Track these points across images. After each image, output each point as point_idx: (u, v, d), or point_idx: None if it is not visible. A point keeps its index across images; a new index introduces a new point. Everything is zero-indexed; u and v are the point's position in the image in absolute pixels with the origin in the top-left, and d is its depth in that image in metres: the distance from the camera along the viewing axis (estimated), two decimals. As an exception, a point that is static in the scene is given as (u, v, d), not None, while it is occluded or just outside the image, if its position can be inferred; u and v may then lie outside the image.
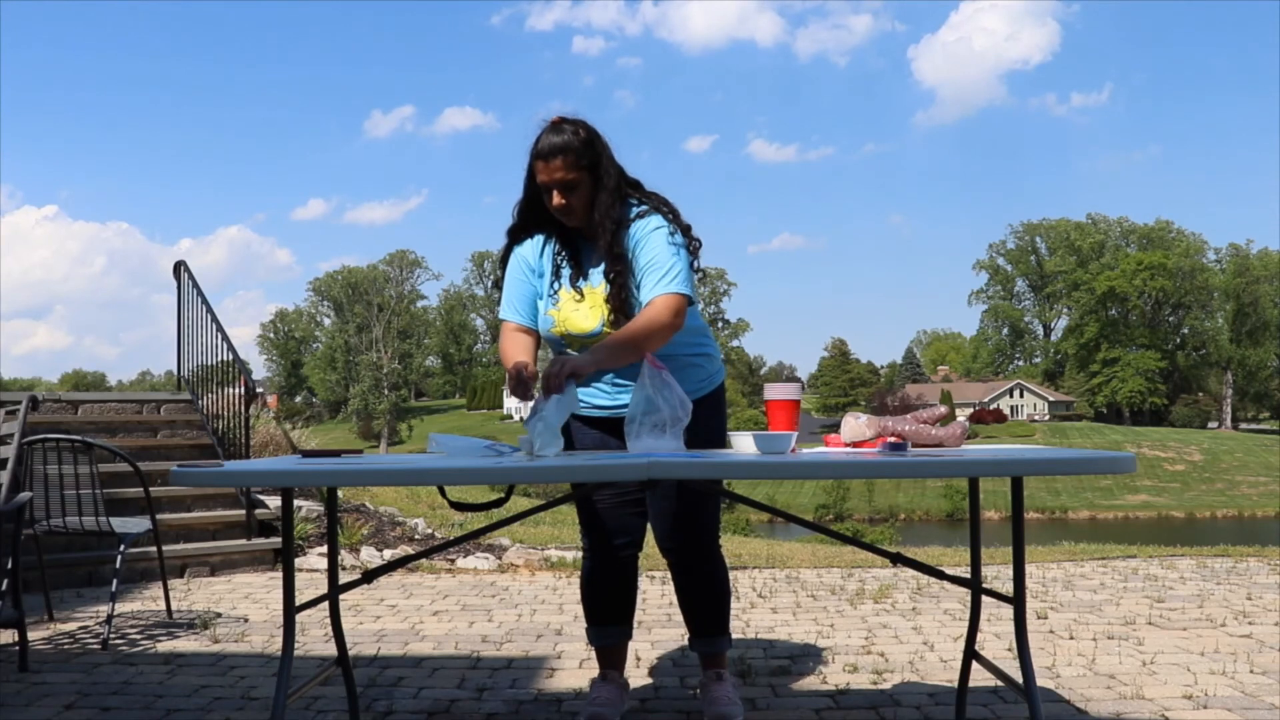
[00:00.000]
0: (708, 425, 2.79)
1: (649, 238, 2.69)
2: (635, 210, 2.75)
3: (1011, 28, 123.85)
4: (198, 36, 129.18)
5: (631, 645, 3.75)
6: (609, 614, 3.01)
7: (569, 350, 2.82)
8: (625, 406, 2.75)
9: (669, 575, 3.36)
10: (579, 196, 2.69)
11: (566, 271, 2.80)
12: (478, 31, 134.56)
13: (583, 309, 2.75)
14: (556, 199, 2.69)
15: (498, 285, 2.94)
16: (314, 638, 4.15)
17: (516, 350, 2.79)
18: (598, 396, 2.85)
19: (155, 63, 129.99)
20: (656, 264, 2.67)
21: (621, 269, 2.70)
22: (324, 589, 2.77)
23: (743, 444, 2.46)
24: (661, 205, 2.77)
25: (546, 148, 2.65)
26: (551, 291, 2.81)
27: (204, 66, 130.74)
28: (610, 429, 2.86)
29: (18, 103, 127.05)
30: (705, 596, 2.97)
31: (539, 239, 2.86)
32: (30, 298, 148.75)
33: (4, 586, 3.54)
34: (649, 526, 3.00)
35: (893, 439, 2.42)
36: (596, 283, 2.76)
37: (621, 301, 2.70)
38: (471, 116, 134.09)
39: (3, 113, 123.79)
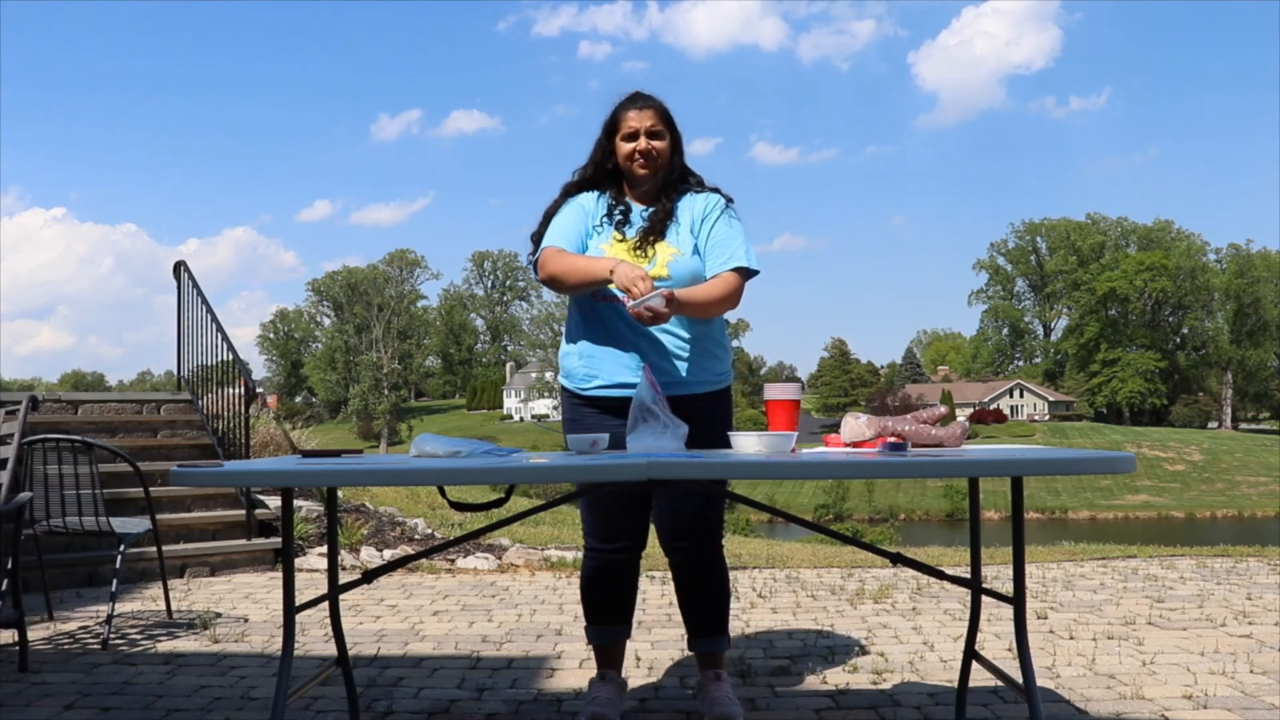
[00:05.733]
0: (722, 422, 2.88)
1: (714, 211, 2.92)
2: (695, 188, 2.98)
3: (1012, 33, 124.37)
4: (206, 39, 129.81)
5: (631, 645, 3.76)
6: (609, 613, 3.01)
7: (611, 287, 2.83)
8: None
9: (669, 575, 3.37)
10: (662, 143, 2.89)
11: (618, 218, 2.94)
12: (484, 37, 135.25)
13: (628, 249, 2.88)
14: (644, 143, 2.87)
15: (539, 235, 2.96)
16: (314, 638, 4.15)
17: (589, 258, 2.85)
18: (625, 374, 2.83)
19: (164, 65, 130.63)
20: (723, 240, 2.88)
21: (665, 213, 2.90)
22: (324, 589, 2.77)
23: (743, 444, 2.46)
24: (718, 189, 3.00)
25: (639, 100, 2.90)
26: (600, 226, 2.93)
27: (212, 69, 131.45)
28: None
29: (28, 104, 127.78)
30: (707, 597, 2.97)
31: (594, 192, 3.00)
32: (34, 298, 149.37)
33: (4, 586, 3.54)
34: (651, 527, 3.00)
35: (893, 439, 2.42)
36: (635, 233, 2.90)
37: (653, 232, 2.86)
38: (478, 120, 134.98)
39: (14, 115, 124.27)
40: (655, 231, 2.88)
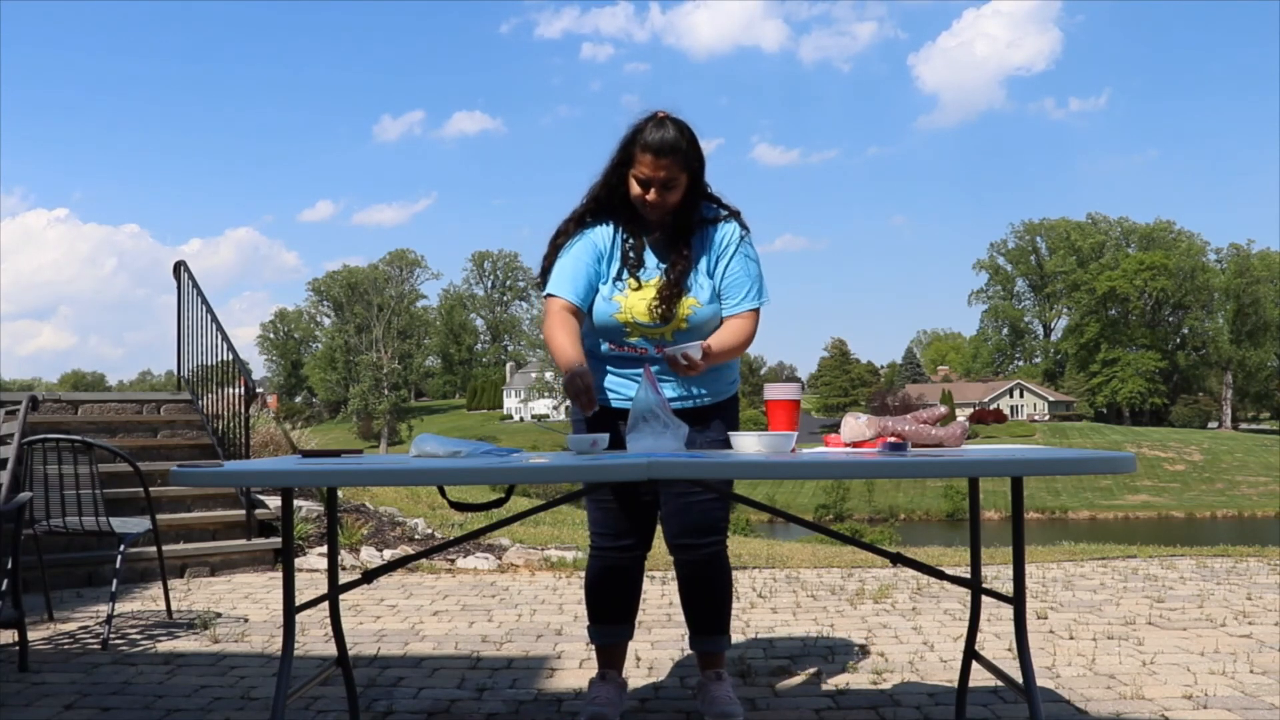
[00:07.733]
0: (729, 426, 2.90)
1: (729, 247, 2.84)
2: (714, 213, 2.87)
3: (1013, 34, 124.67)
4: (209, 39, 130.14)
5: (631, 645, 3.75)
6: (613, 613, 3.01)
7: (629, 339, 2.84)
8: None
9: (669, 575, 3.37)
10: (674, 195, 2.75)
11: (632, 261, 2.84)
12: (487, 38, 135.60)
13: (645, 300, 2.81)
14: (653, 194, 2.74)
15: (546, 267, 2.87)
16: (314, 638, 4.15)
17: (572, 343, 2.70)
18: (630, 387, 2.85)
19: (167, 65, 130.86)
20: (738, 280, 2.83)
21: (685, 267, 2.80)
22: (324, 589, 2.77)
23: (744, 444, 2.46)
24: (736, 214, 2.90)
25: (660, 144, 2.69)
26: (620, 278, 2.83)
27: (214, 69, 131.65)
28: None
29: (30, 104, 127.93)
30: (710, 596, 2.97)
31: (609, 226, 2.87)
32: (36, 299, 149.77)
33: (4, 586, 3.54)
34: (657, 527, 3.00)
35: (893, 439, 2.42)
36: (650, 276, 2.82)
37: (672, 292, 2.78)
38: (480, 121, 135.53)
39: (16, 115, 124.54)
40: (674, 289, 2.78)
